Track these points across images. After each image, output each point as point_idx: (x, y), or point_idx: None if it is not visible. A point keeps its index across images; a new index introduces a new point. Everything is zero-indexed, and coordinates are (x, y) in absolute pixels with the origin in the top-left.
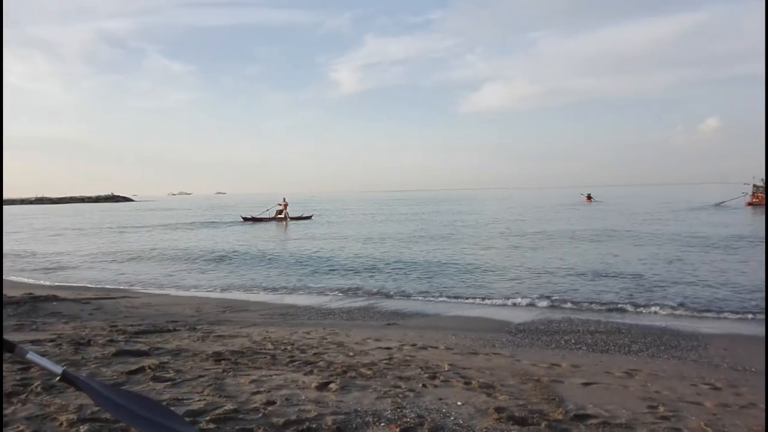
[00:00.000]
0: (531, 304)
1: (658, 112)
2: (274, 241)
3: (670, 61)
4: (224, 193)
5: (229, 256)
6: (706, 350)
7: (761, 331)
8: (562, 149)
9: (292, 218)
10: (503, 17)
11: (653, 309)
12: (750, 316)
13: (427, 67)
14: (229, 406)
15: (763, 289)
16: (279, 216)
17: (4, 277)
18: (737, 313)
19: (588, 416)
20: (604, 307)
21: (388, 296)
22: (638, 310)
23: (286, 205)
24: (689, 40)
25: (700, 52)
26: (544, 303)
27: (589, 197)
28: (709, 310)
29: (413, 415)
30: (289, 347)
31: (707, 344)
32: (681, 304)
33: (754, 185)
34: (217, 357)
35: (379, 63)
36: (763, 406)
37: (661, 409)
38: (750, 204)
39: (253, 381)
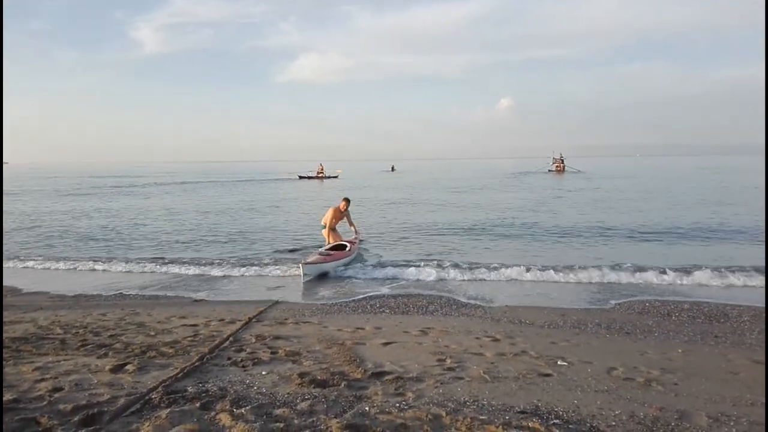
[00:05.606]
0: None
1: (459, 91)
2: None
3: (467, 43)
4: (6, 163)
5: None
6: (491, 307)
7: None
8: (370, 123)
9: (326, 177)
10: None
11: (451, 271)
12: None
13: (239, 32)
14: (8, 397)
15: None
16: (320, 174)
17: None
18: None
19: (385, 373)
20: (406, 275)
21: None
22: (441, 274)
23: (322, 168)
24: (481, 25)
25: (492, 37)
26: (353, 271)
27: (393, 168)
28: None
29: (215, 389)
30: (81, 331)
31: (492, 303)
32: (470, 268)
33: (553, 158)
34: None
35: (187, 24)
36: (533, 353)
37: (448, 361)
38: (550, 171)
39: (37, 368)
